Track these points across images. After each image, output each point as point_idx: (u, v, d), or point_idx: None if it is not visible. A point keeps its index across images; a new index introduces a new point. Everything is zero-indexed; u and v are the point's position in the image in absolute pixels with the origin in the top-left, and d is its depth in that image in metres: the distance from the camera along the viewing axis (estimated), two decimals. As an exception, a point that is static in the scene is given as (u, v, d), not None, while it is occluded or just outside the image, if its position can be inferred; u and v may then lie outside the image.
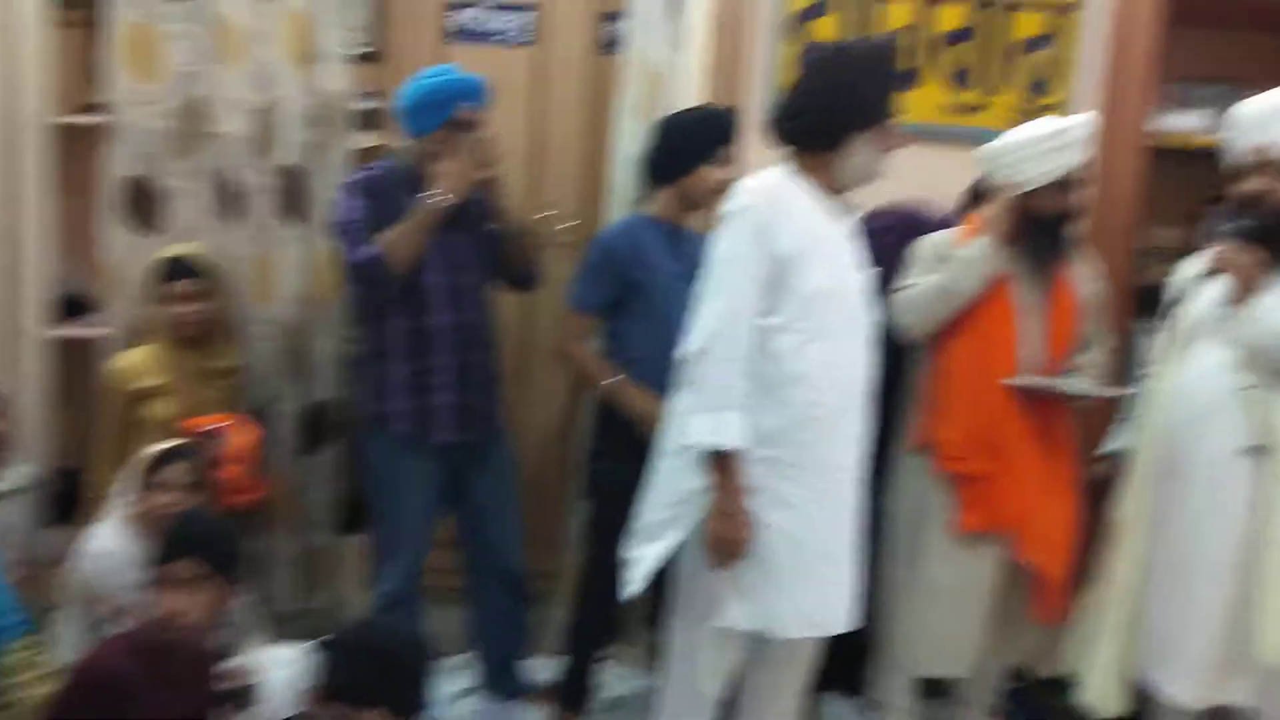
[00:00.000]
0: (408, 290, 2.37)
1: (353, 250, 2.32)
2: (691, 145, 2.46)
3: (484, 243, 2.48)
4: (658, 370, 2.24)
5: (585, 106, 2.97)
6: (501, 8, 2.88)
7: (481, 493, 2.58)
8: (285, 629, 2.42)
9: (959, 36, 2.95)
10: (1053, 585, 2.36)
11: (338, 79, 2.75)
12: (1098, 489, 2.43)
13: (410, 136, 2.42)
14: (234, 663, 1.99)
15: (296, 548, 2.87)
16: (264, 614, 2.44)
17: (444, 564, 2.67)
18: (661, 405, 2.21)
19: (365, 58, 2.90)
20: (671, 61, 2.73)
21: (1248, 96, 2.18)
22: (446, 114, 2.34)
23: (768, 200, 2.00)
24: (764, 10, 2.88)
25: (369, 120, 2.91)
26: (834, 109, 2.00)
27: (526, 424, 3.07)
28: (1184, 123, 2.89)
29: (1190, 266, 2.32)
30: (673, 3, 2.71)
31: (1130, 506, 2.26)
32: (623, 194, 2.76)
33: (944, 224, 2.57)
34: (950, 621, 2.39)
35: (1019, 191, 2.31)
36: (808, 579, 2.03)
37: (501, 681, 2.70)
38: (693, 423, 1.98)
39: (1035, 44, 2.95)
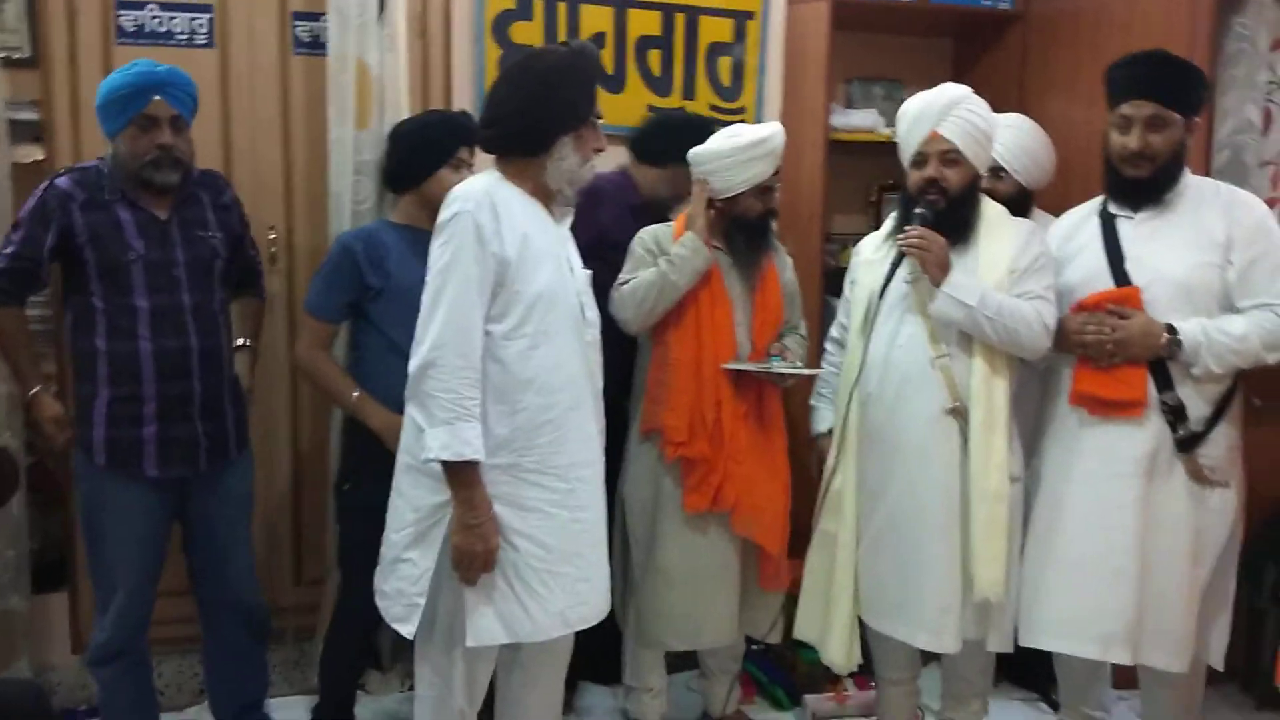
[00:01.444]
0: (112, 313, 2.20)
1: None
2: (429, 150, 2.42)
3: (200, 259, 2.30)
4: (400, 384, 2.11)
5: (279, 109, 2.79)
6: (174, 7, 2.66)
7: (213, 526, 2.38)
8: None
9: (653, 42, 3.06)
10: (774, 556, 2.51)
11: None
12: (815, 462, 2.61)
13: (108, 139, 2.25)
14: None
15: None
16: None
17: (180, 611, 2.48)
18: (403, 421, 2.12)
19: (17, 62, 2.60)
20: (385, 64, 2.65)
21: (912, 93, 2.37)
22: (135, 110, 2.19)
23: (484, 205, 1.96)
24: (465, 13, 2.85)
25: (27, 132, 2.62)
26: (537, 113, 2.00)
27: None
28: (858, 119, 3.16)
29: (870, 248, 2.50)
30: (382, 3, 2.62)
31: (844, 475, 2.41)
32: (344, 201, 2.64)
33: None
34: (690, 598, 2.48)
35: (725, 196, 2.45)
36: (557, 580, 2.02)
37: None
38: (428, 437, 1.92)
39: (722, 49, 3.12)
